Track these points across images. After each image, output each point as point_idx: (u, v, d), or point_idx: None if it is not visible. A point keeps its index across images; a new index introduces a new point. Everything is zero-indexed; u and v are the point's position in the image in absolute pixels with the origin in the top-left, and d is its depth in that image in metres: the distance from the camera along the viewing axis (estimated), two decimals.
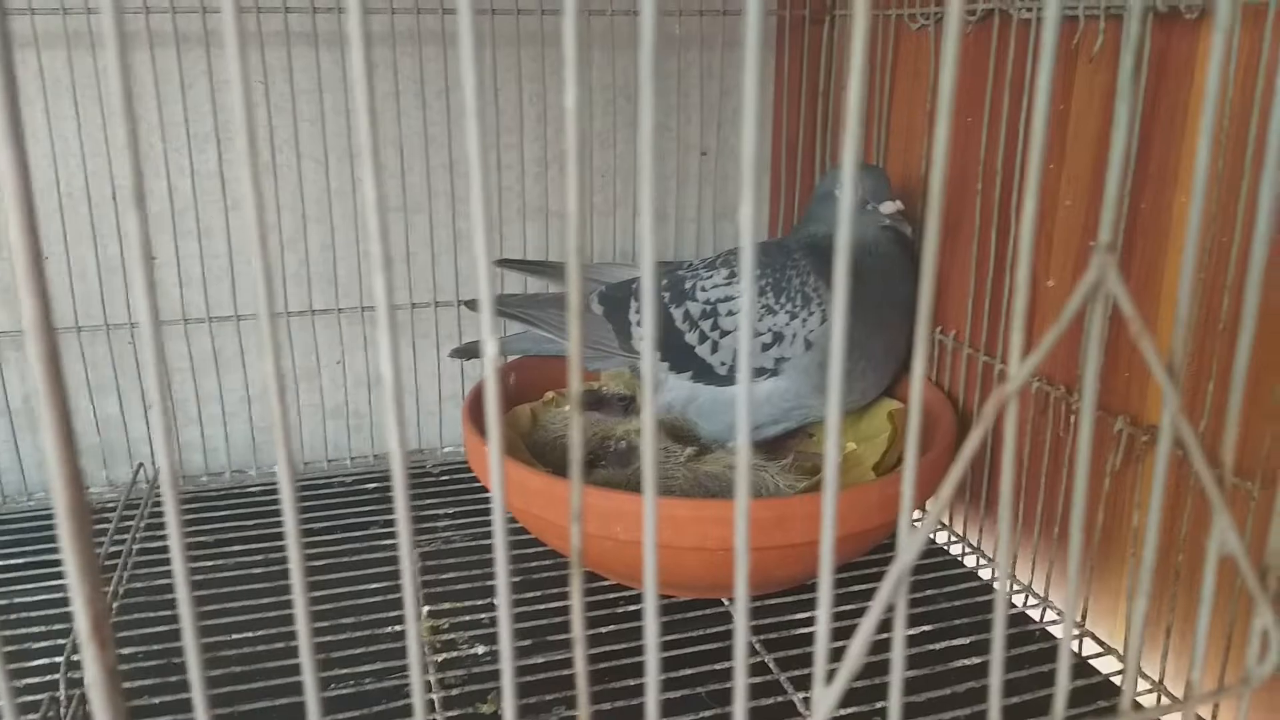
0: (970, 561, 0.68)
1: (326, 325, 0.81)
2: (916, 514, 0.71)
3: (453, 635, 0.59)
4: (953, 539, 0.71)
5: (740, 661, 0.22)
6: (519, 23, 0.78)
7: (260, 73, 0.75)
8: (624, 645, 0.57)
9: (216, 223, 0.76)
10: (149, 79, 0.72)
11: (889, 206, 0.66)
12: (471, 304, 0.82)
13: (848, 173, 0.20)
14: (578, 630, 0.21)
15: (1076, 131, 0.58)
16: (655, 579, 0.22)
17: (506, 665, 0.22)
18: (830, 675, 0.22)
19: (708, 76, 0.85)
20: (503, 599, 0.22)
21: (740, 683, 0.23)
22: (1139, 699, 0.54)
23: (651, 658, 0.22)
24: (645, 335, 0.20)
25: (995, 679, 0.23)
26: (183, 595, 0.21)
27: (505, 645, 0.22)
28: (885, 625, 0.22)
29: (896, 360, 0.69)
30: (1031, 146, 0.19)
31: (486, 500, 0.76)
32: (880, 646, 0.23)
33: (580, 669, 0.21)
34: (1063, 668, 0.24)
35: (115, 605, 0.61)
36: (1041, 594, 0.63)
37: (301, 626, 0.22)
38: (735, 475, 0.60)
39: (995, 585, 0.65)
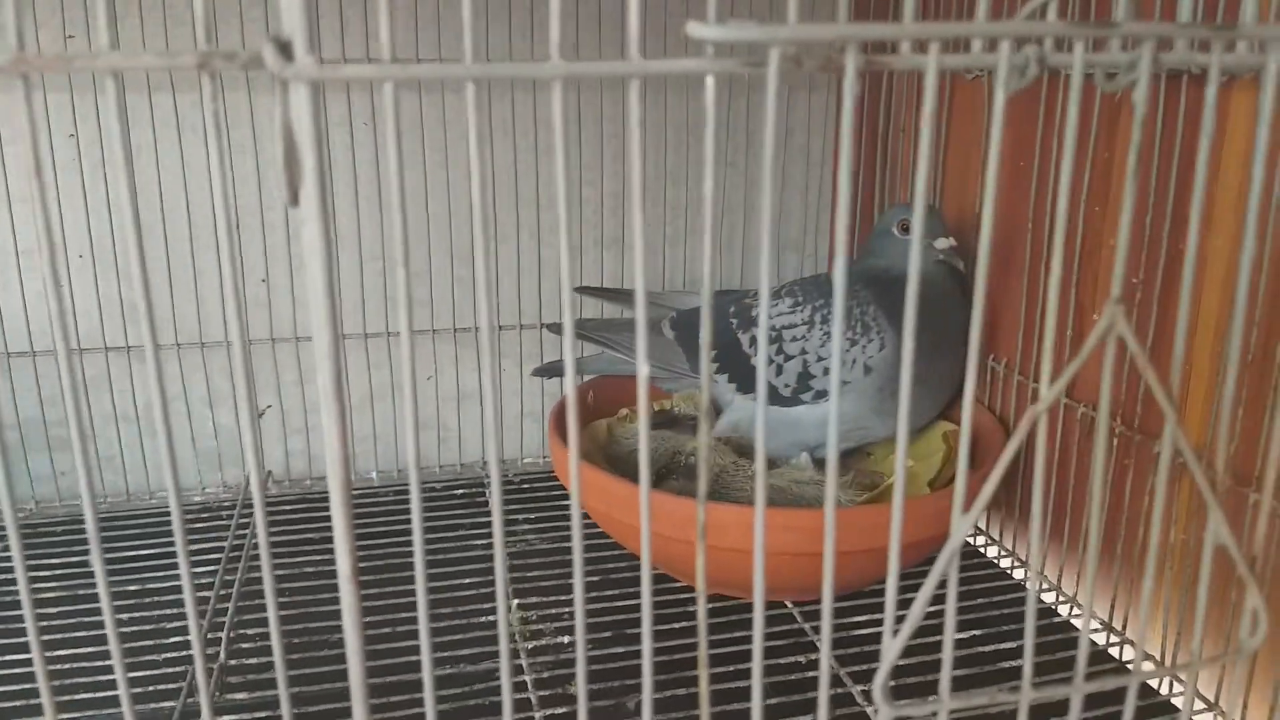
0: (1005, 563, 0.73)
1: (422, 344, 0.88)
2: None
3: (540, 626, 0.66)
4: (987, 543, 0.76)
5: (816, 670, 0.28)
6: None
7: (367, 114, 0.83)
8: (692, 640, 0.63)
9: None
10: (265, 121, 0.80)
11: (943, 243, 0.72)
12: (553, 327, 0.89)
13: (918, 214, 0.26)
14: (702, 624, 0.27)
15: (1120, 178, 0.63)
16: (763, 589, 0.28)
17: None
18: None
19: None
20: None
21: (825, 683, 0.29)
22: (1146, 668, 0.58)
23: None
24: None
25: (1028, 666, 0.29)
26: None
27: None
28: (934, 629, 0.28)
29: (951, 386, 0.74)
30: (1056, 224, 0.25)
31: (565, 505, 0.82)
32: (929, 636, 0.29)
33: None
34: (1083, 656, 0.30)
35: (238, 593, 0.69)
36: (1062, 588, 0.67)
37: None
38: (798, 489, 0.65)
39: (1028, 584, 0.70)
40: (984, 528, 0.78)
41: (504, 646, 0.29)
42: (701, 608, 0.29)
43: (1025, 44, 0.25)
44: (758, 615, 0.29)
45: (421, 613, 0.29)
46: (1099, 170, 0.64)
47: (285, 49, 0.21)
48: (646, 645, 0.29)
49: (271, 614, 0.29)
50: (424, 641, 0.29)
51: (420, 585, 0.28)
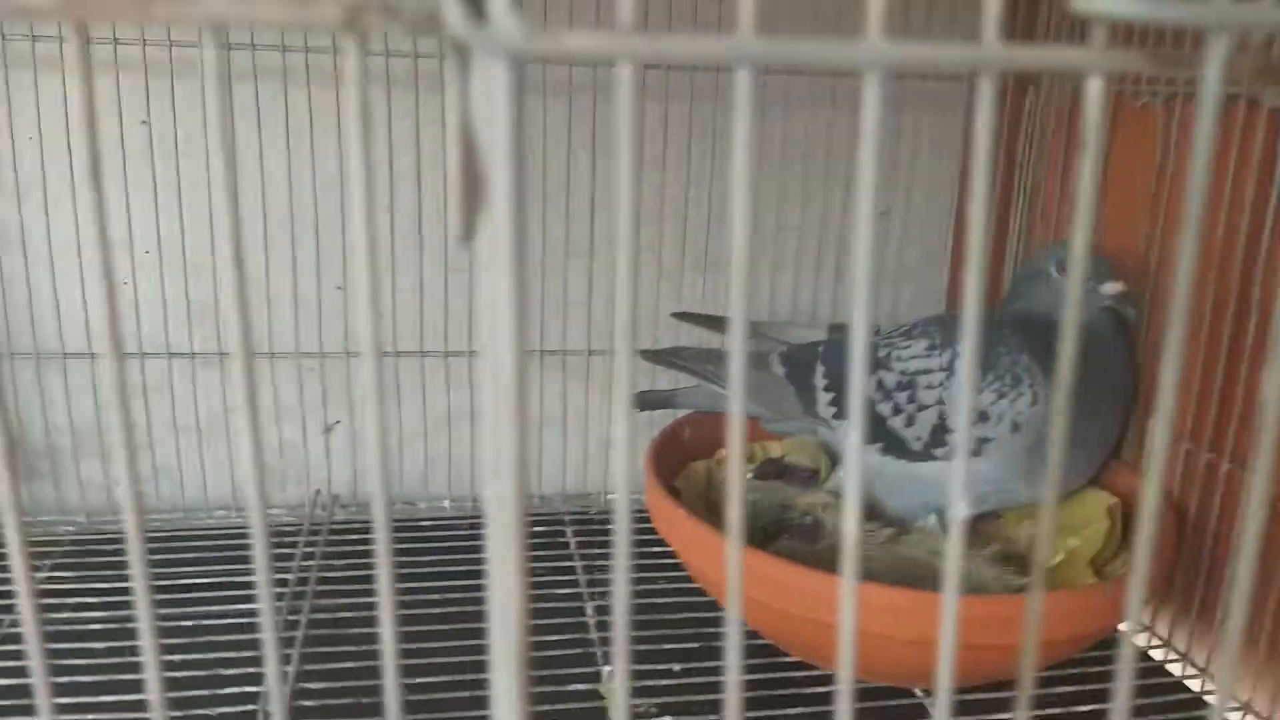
0: (1175, 669, 0.63)
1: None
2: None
3: (637, 701, 0.58)
4: (1153, 641, 0.66)
5: None
6: (692, 80, 0.77)
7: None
8: None
9: (405, 258, 0.77)
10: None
11: (1110, 288, 0.63)
12: (645, 354, 0.81)
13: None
14: None
15: None
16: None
17: None
18: None
19: (900, 138, 0.83)
20: None
21: None
22: None
23: None
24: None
25: None
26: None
27: None
28: None
29: (1108, 448, 0.65)
30: None
31: (660, 551, 0.74)
32: None
33: None
34: None
35: (304, 637, 0.62)
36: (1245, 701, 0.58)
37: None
38: (940, 563, 0.57)
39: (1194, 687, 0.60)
40: (1163, 636, 0.67)
41: None
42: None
43: None
44: None
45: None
46: None
47: (475, 4, 0.14)
48: None
49: None
50: None
51: None
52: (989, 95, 0.16)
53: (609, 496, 0.85)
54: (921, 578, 0.58)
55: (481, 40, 0.14)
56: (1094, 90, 0.16)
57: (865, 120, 0.17)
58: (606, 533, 0.78)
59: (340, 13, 0.14)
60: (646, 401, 0.80)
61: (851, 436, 0.23)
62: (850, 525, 0.23)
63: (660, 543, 0.73)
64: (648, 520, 0.79)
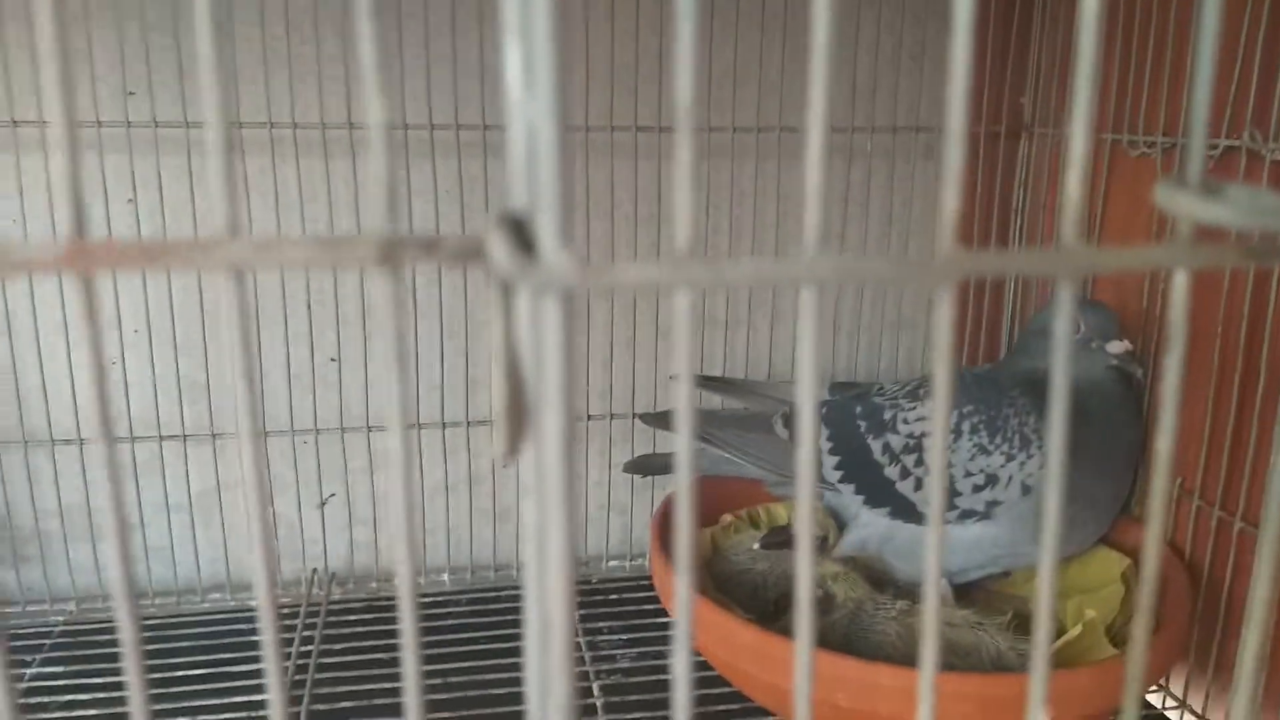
0: None
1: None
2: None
3: None
4: (1169, 702, 0.65)
5: None
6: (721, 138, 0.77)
7: (450, 182, 0.75)
8: None
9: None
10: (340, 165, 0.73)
11: (1117, 346, 0.62)
12: (645, 417, 0.80)
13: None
14: None
15: None
16: None
17: None
18: None
19: (895, 184, 0.83)
20: None
21: None
22: None
23: None
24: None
25: None
26: None
27: None
28: None
29: (1118, 507, 0.65)
30: None
31: (661, 623, 0.73)
32: None
33: None
34: None
35: None
36: None
37: None
38: (952, 634, 0.56)
39: None
40: (1179, 696, 0.66)
41: None
42: None
43: None
44: None
45: None
46: None
47: (523, 237, 0.13)
48: None
49: None
50: None
51: None
52: (1068, 298, 0.16)
53: (610, 564, 0.83)
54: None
55: (532, 278, 0.13)
56: (1179, 285, 0.16)
57: (938, 328, 0.16)
58: (609, 603, 0.77)
59: (375, 251, 0.13)
60: (646, 466, 0.79)
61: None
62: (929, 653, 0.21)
63: (660, 608, 0.72)
64: (646, 585, 0.78)
